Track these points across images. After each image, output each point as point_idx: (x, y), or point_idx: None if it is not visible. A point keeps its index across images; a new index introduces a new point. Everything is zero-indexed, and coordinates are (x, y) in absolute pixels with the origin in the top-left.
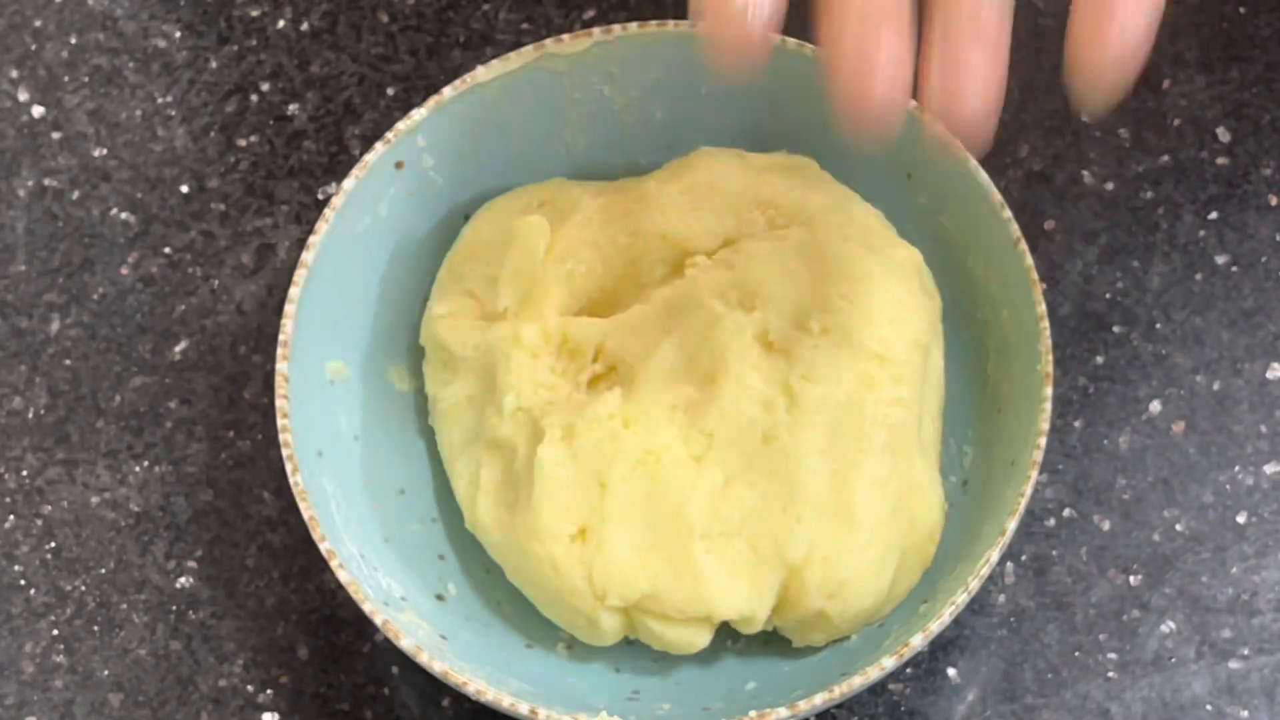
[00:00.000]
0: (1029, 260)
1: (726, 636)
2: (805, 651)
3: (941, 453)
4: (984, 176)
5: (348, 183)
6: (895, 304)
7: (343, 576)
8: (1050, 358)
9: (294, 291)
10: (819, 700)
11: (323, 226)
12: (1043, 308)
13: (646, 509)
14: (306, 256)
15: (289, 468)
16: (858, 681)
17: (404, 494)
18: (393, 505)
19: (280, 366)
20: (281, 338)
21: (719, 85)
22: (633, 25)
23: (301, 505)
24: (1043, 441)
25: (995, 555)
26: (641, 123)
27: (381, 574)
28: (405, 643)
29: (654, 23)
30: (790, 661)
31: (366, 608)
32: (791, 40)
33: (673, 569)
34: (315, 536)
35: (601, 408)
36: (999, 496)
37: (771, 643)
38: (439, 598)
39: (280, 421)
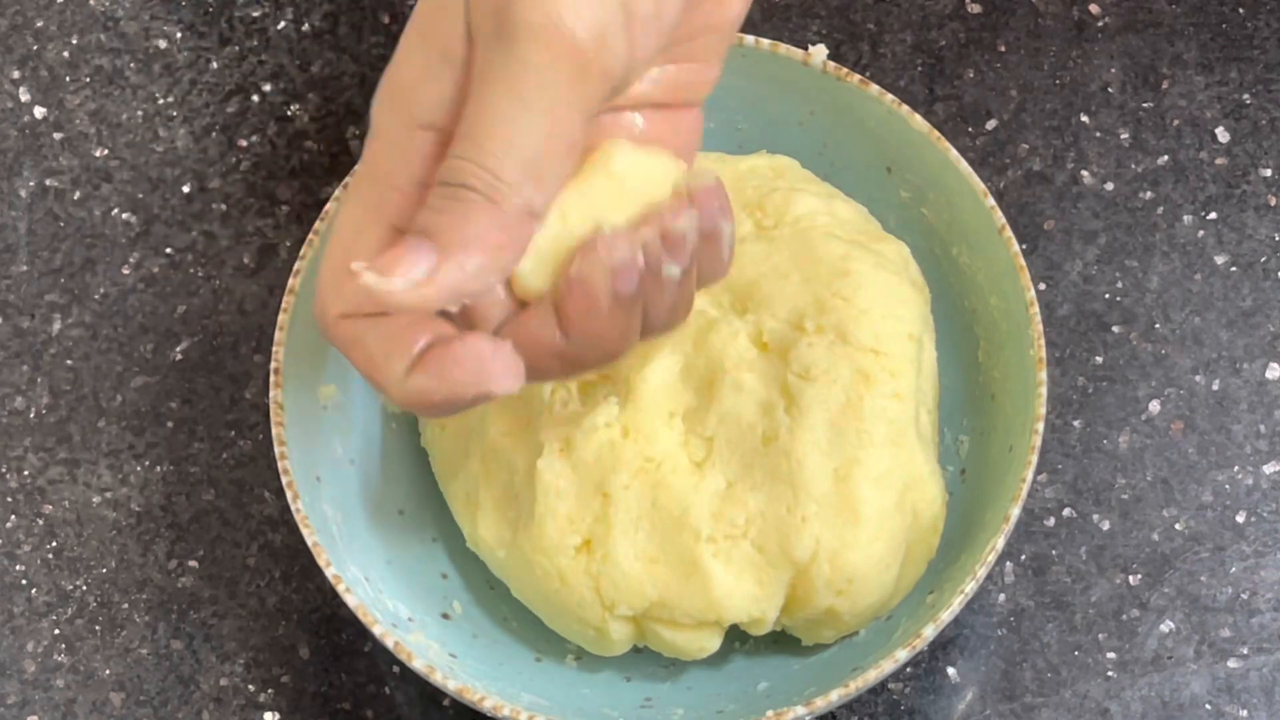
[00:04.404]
0: (1015, 246)
1: (734, 638)
2: (814, 649)
3: (938, 443)
4: (965, 166)
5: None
6: (887, 299)
7: (350, 601)
8: (1042, 342)
9: (283, 318)
10: (835, 696)
11: (308, 252)
12: (1031, 293)
13: (650, 517)
14: (294, 282)
15: (289, 495)
16: (872, 675)
17: (403, 514)
18: (392, 527)
19: (274, 394)
20: (274, 365)
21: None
22: None
23: (305, 532)
24: (1040, 426)
25: (1001, 542)
26: None
27: (386, 596)
28: (418, 664)
29: None
30: (800, 659)
31: (377, 631)
32: (764, 41)
33: (680, 575)
34: (320, 563)
35: (599, 417)
36: (999, 484)
37: (780, 642)
38: (445, 616)
39: (278, 449)
